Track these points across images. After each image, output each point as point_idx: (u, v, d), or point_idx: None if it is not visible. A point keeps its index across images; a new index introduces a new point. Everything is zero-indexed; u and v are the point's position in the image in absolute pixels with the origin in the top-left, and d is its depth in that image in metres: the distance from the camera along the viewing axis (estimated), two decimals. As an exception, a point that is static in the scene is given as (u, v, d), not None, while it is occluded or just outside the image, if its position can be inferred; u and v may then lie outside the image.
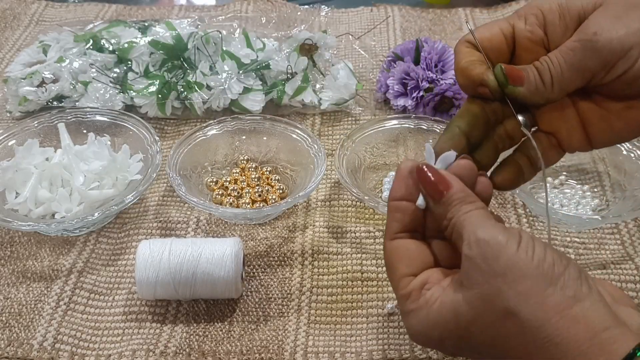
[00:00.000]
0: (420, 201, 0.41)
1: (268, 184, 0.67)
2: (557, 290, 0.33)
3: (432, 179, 0.39)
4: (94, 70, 0.76)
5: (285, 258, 0.60)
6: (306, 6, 0.97)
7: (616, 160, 0.66)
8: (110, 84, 0.75)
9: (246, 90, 0.75)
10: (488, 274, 0.34)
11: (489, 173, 0.45)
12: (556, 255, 0.35)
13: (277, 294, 0.57)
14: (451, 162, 0.41)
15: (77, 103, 0.74)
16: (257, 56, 0.77)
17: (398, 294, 0.40)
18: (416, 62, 0.78)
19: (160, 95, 0.74)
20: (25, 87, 0.75)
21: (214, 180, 0.67)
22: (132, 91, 0.74)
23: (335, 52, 0.83)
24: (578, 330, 0.32)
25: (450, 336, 0.37)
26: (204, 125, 0.68)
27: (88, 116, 0.69)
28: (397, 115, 0.71)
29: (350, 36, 0.89)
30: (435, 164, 0.42)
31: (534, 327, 0.33)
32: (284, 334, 0.54)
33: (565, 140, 0.44)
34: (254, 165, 0.68)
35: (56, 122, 0.68)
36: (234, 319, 0.55)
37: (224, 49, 0.77)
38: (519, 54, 0.44)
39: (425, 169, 0.40)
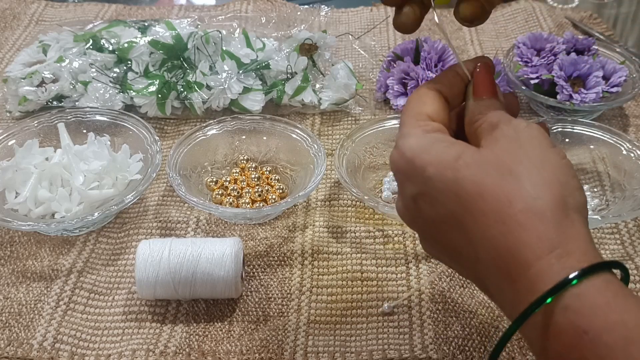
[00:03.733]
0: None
1: (268, 183, 0.67)
2: (555, 189, 0.34)
3: (492, 78, 0.41)
4: (93, 70, 0.76)
5: (285, 258, 0.60)
6: (306, 6, 0.97)
7: (616, 160, 0.66)
8: (110, 84, 0.75)
9: (246, 90, 0.75)
10: (514, 144, 0.36)
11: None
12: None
13: (277, 294, 0.57)
14: None
15: (77, 103, 0.74)
16: (257, 56, 0.77)
17: (410, 119, 0.39)
18: (416, 62, 0.78)
19: (160, 95, 0.74)
20: (25, 87, 0.75)
21: (214, 180, 0.67)
22: (132, 91, 0.74)
23: (335, 51, 0.83)
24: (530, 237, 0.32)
25: (434, 172, 0.36)
26: (204, 125, 0.68)
27: (88, 116, 0.69)
28: (397, 115, 0.71)
29: (350, 36, 0.89)
30: None
31: (529, 197, 0.33)
32: (283, 334, 0.54)
33: None
34: (253, 165, 0.68)
35: (56, 122, 0.68)
36: (234, 319, 0.55)
37: (224, 48, 0.77)
38: None
39: (492, 68, 0.41)
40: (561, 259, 0.32)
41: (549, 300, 0.31)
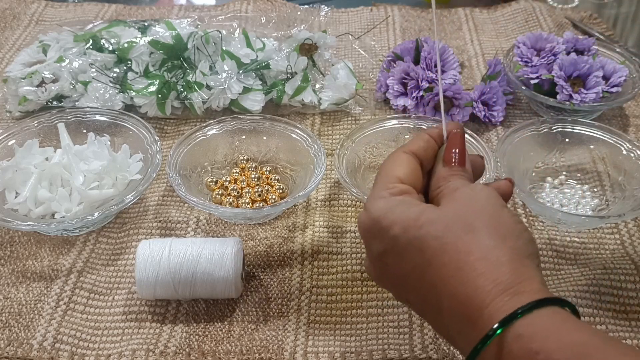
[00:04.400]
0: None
1: (268, 183, 0.67)
2: (509, 241, 0.37)
3: (463, 148, 0.44)
4: (93, 70, 0.76)
5: (285, 258, 0.60)
6: (306, 6, 0.97)
7: (616, 160, 0.66)
8: (110, 84, 0.75)
9: (246, 90, 0.75)
10: (466, 206, 0.39)
11: None
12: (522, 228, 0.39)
13: (277, 294, 0.57)
14: None
15: (76, 103, 0.74)
16: (257, 56, 0.77)
17: (381, 182, 0.43)
18: (416, 62, 0.78)
19: (160, 95, 0.74)
20: (25, 87, 0.75)
21: (214, 180, 0.67)
22: (131, 91, 0.74)
23: (335, 51, 0.83)
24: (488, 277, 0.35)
25: (399, 230, 0.39)
26: (204, 125, 0.68)
27: (88, 116, 0.69)
28: (396, 115, 0.71)
29: (350, 36, 0.89)
30: None
31: (486, 247, 0.36)
32: (283, 334, 0.54)
33: None
34: (253, 165, 0.68)
35: (56, 122, 0.68)
36: (234, 319, 0.55)
37: (224, 48, 0.77)
38: None
39: (464, 137, 0.44)
40: (514, 297, 0.34)
41: (499, 331, 0.33)
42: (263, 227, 0.63)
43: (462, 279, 0.36)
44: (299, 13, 0.91)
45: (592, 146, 0.67)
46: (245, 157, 0.69)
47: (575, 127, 0.68)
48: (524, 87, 0.74)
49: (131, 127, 0.68)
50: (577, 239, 0.62)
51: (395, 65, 0.78)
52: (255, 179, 0.66)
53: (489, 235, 0.37)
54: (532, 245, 0.38)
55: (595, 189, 0.66)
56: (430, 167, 0.45)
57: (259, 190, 0.65)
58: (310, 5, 1.00)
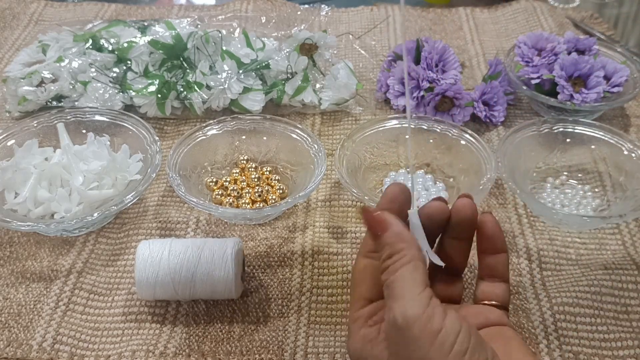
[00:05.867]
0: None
1: (268, 184, 0.67)
2: None
3: (372, 219, 0.40)
4: (93, 70, 0.76)
5: (285, 258, 0.60)
6: (306, 6, 0.97)
7: (617, 161, 0.66)
8: (110, 84, 0.75)
9: (246, 90, 0.75)
10: (406, 350, 0.36)
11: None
12: (475, 342, 0.36)
13: (277, 295, 0.57)
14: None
15: (76, 103, 0.74)
16: (257, 56, 0.77)
17: (351, 311, 0.42)
18: (416, 61, 0.78)
19: (159, 95, 0.74)
20: (25, 87, 0.75)
21: (214, 180, 0.67)
22: (131, 91, 0.74)
23: (335, 51, 0.82)
24: None
25: None
26: (204, 125, 0.68)
27: (87, 116, 0.69)
28: (397, 115, 0.70)
29: (351, 36, 0.89)
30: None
31: None
32: (284, 335, 0.54)
33: None
34: (253, 166, 0.68)
35: (55, 122, 0.68)
36: (234, 320, 0.55)
37: (224, 48, 0.77)
38: None
39: (368, 209, 0.41)
40: None
41: None
42: (263, 228, 0.63)
43: None
44: (299, 13, 0.91)
45: (593, 146, 0.67)
46: (245, 157, 0.69)
47: (576, 127, 0.67)
48: (524, 87, 0.74)
49: (131, 127, 0.68)
50: (578, 240, 0.62)
51: (395, 65, 0.78)
52: (255, 179, 0.66)
53: None
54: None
55: (596, 189, 0.66)
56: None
57: (259, 190, 0.65)
58: (311, 5, 1.00)
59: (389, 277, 0.38)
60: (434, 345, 0.35)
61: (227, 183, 0.67)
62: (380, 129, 0.68)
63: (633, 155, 0.64)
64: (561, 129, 0.67)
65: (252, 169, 0.68)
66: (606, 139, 0.66)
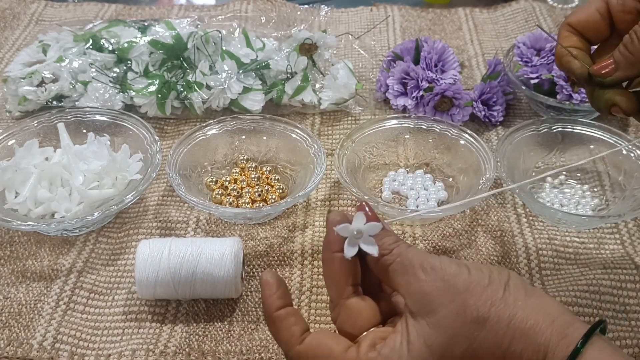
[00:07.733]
0: (348, 252, 0.40)
1: (268, 183, 0.67)
2: (511, 291, 0.37)
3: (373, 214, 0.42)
4: (93, 69, 0.76)
5: (285, 258, 0.60)
6: (306, 6, 0.97)
7: (616, 160, 0.66)
8: (110, 84, 0.75)
9: (246, 90, 0.75)
10: (452, 292, 0.37)
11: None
12: (495, 269, 0.39)
13: (276, 294, 0.57)
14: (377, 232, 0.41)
15: (76, 103, 0.74)
16: (257, 56, 0.77)
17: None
18: (416, 61, 0.78)
19: (160, 95, 0.74)
20: (25, 87, 0.75)
21: (214, 180, 0.67)
22: (131, 91, 0.74)
23: (335, 51, 0.82)
24: (539, 318, 0.36)
25: None
26: (204, 125, 0.68)
27: (88, 116, 0.69)
28: (396, 115, 0.71)
29: (350, 36, 0.89)
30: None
31: (505, 325, 0.36)
32: (283, 334, 0.54)
33: None
34: (253, 165, 0.68)
35: (56, 121, 0.68)
36: (234, 319, 0.55)
37: (224, 48, 0.77)
38: (618, 27, 0.47)
39: (366, 204, 0.42)
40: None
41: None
42: (263, 227, 0.63)
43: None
44: (299, 13, 0.91)
45: (592, 146, 0.67)
46: (245, 157, 0.69)
47: (575, 127, 0.68)
48: (524, 87, 0.74)
49: (131, 127, 0.68)
50: (577, 239, 0.62)
51: (395, 65, 0.78)
52: (255, 179, 0.66)
53: (502, 315, 0.37)
54: (514, 275, 0.39)
55: (595, 189, 0.66)
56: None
57: (259, 190, 0.65)
58: (310, 5, 1.00)
59: (406, 251, 0.40)
60: (471, 271, 0.39)
61: (227, 183, 0.67)
62: (380, 128, 0.69)
63: (632, 155, 0.64)
64: (560, 129, 0.68)
65: (252, 169, 0.68)
66: (605, 138, 0.66)
